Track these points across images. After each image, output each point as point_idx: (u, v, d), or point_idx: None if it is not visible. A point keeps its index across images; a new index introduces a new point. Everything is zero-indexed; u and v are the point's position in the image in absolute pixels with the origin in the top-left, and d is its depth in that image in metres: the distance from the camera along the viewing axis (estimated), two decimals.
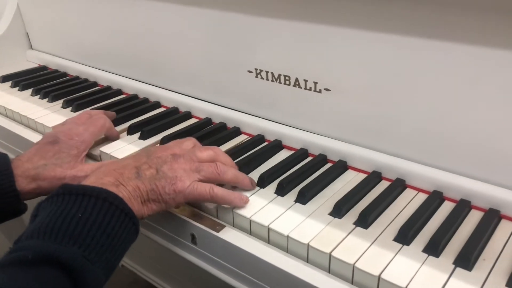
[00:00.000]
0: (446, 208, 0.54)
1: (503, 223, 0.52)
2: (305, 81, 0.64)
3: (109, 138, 0.72)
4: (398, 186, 0.58)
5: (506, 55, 0.48)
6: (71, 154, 0.61)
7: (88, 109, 0.82)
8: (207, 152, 0.56)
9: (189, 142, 0.59)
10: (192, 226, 0.55)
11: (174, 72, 0.82)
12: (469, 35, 0.49)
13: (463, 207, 0.54)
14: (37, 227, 0.43)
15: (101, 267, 0.43)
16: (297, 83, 0.65)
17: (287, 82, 0.66)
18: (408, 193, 0.57)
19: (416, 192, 0.57)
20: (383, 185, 0.59)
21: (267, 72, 0.68)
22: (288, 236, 0.50)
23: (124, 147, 0.70)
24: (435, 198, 0.55)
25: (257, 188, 0.59)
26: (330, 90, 0.62)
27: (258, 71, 0.69)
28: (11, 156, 0.61)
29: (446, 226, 0.50)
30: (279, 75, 0.67)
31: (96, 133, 0.67)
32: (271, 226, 0.52)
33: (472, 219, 0.52)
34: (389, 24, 0.54)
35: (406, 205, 0.55)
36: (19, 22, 1.07)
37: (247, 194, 0.57)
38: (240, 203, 0.55)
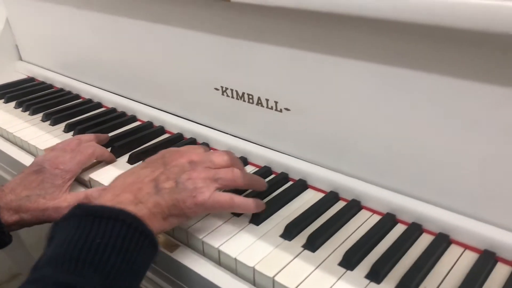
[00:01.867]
0: (397, 231, 0.54)
1: (452, 248, 0.52)
2: (267, 100, 0.64)
3: (104, 161, 0.70)
4: (353, 207, 0.58)
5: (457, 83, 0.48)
6: (55, 184, 0.60)
7: (65, 123, 0.83)
8: (222, 157, 0.55)
9: (201, 149, 0.57)
10: None
11: (149, 87, 0.83)
12: (426, 63, 0.49)
13: (414, 230, 0.53)
14: (55, 253, 0.41)
15: None
16: (259, 101, 0.65)
17: (251, 101, 0.67)
18: (362, 215, 0.57)
19: (370, 213, 0.57)
20: (339, 206, 0.59)
21: (232, 90, 0.68)
22: (235, 258, 0.51)
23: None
24: (388, 221, 0.55)
25: None
26: (289, 110, 0.63)
27: (224, 88, 0.69)
28: None
29: (393, 250, 0.50)
30: (243, 93, 0.67)
31: (83, 162, 0.64)
32: (221, 248, 0.52)
33: (422, 243, 0.52)
34: (348, 49, 0.54)
35: (358, 227, 0.55)
36: (8, 35, 1.10)
37: None
38: (258, 209, 0.55)
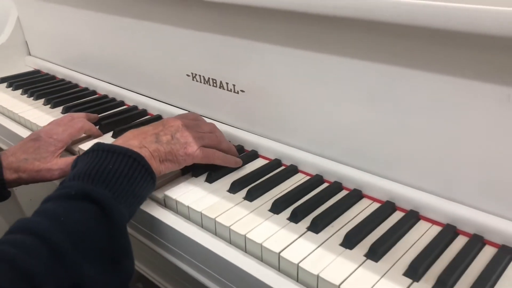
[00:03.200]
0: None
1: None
2: (227, 83, 0.77)
3: (91, 136, 0.84)
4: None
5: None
6: (49, 150, 0.72)
7: (62, 106, 0.96)
8: (207, 126, 0.71)
9: (193, 116, 0.73)
10: None
11: (135, 76, 0.96)
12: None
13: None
14: (78, 172, 0.55)
15: (125, 208, 0.54)
16: (221, 85, 0.78)
17: (214, 84, 0.79)
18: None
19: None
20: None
21: (200, 75, 0.81)
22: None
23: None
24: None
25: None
26: (244, 91, 0.75)
27: (194, 74, 0.82)
28: None
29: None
30: (209, 78, 0.79)
31: (73, 134, 0.78)
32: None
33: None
34: (296, 40, 0.66)
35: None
36: (19, 32, 1.24)
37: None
38: (236, 165, 0.70)
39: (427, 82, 0.54)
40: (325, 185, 0.67)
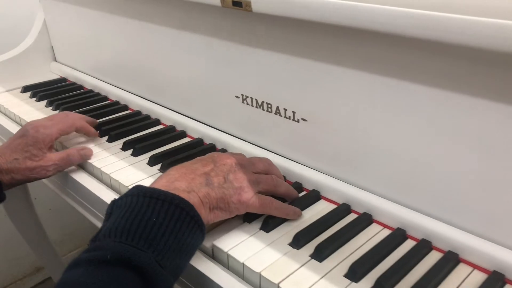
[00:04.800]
0: (406, 247, 0.54)
1: (460, 267, 0.51)
2: (285, 110, 0.65)
3: (86, 135, 0.80)
4: (365, 220, 0.58)
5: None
6: (38, 146, 0.68)
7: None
8: (262, 163, 0.61)
9: (243, 156, 0.62)
10: None
11: (174, 92, 0.85)
12: (448, 81, 0.49)
13: (423, 247, 0.53)
14: (115, 226, 0.45)
15: (171, 271, 0.45)
16: (277, 111, 0.67)
17: (269, 110, 0.68)
18: (373, 228, 0.57)
19: (381, 227, 0.57)
20: (350, 217, 0.59)
21: (251, 98, 0.70)
22: (243, 263, 0.51)
23: (115, 162, 0.73)
24: (398, 236, 0.55)
25: None
26: (306, 120, 0.63)
27: (244, 97, 0.71)
28: None
29: (399, 265, 0.50)
30: (262, 102, 0.68)
31: (63, 130, 0.73)
32: (230, 252, 0.53)
33: (430, 260, 0.52)
34: (368, 63, 0.54)
35: (368, 240, 0.55)
36: (45, 36, 1.14)
37: None
38: (294, 217, 0.58)
39: None
40: (410, 243, 0.55)
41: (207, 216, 0.52)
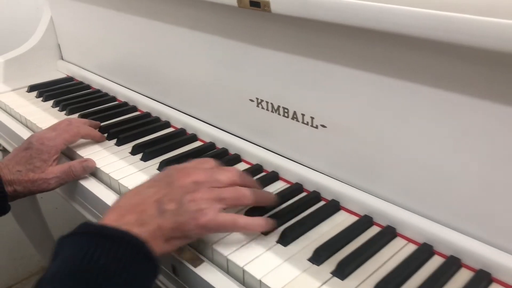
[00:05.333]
0: (434, 263, 0.51)
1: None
2: (303, 115, 0.62)
3: (93, 140, 0.78)
4: (388, 234, 0.55)
5: None
6: (42, 158, 0.67)
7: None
8: (226, 174, 0.54)
9: (208, 164, 0.56)
10: (173, 258, 0.55)
11: (185, 94, 0.82)
12: (482, 90, 0.46)
13: (451, 264, 0.50)
14: (60, 270, 0.42)
15: None
16: (294, 116, 0.63)
17: (286, 115, 0.65)
18: (397, 243, 0.54)
19: (405, 242, 0.54)
20: (372, 231, 0.56)
21: (267, 102, 0.66)
22: (260, 280, 0.49)
23: (124, 167, 0.70)
24: (425, 251, 0.52)
25: None
26: (326, 127, 0.60)
27: (259, 100, 0.68)
28: None
29: (428, 284, 0.47)
30: (279, 106, 0.65)
31: (68, 139, 0.72)
32: (246, 268, 0.50)
33: (459, 279, 0.49)
34: (394, 69, 0.51)
35: (392, 256, 0.52)
36: (52, 34, 1.12)
37: None
38: (266, 228, 0.54)
39: None
40: (437, 260, 0.51)
41: (163, 248, 0.48)
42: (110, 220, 0.48)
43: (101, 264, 0.42)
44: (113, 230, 0.45)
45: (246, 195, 0.53)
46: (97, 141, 0.78)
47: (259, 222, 0.53)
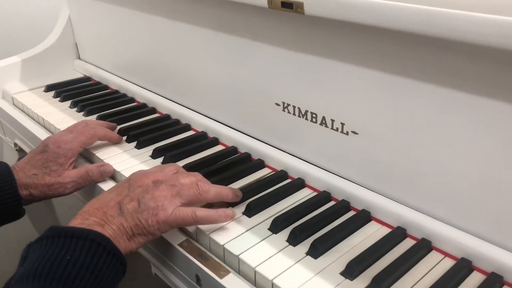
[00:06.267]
0: (474, 281, 0.48)
1: None
2: (332, 121, 0.60)
3: (110, 142, 0.76)
4: (423, 247, 0.52)
5: None
6: (58, 162, 0.65)
7: (118, 127, 0.81)
8: (189, 178, 0.56)
9: (172, 168, 0.59)
10: (197, 267, 0.53)
11: (206, 96, 0.80)
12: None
13: (494, 281, 0.47)
14: (27, 271, 0.43)
15: None
16: (323, 122, 0.61)
17: (314, 120, 0.62)
18: (432, 257, 0.52)
19: (442, 256, 0.52)
20: (406, 244, 0.53)
21: (294, 107, 0.64)
22: None
23: None
24: (463, 267, 0.49)
25: (269, 233, 0.55)
26: (357, 134, 0.58)
27: (286, 104, 0.65)
28: None
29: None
30: (306, 111, 0.63)
31: (84, 142, 0.70)
32: (275, 281, 0.48)
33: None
34: (426, 74, 0.49)
35: (428, 271, 0.50)
36: (69, 33, 1.10)
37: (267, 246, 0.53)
38: (226, 219, 0.55)
39: None
40: (477, 276, 0.49)
41: (128, 246, 0.50)
42: (75, 223, 0.50)
43: (68, 260, 0.44)
44: (77, 229, 0.47)
45: (205, 190, 0.55)
46: (114, 142, 0.76)
47: (220, 212, 0.55)
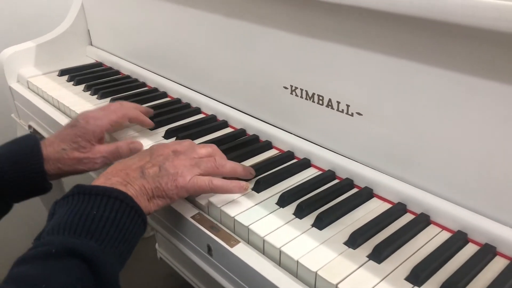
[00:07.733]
0: (469, 251, 0.51)
1: None
2: (338, 103, 0.63)
3: (143, 126, 0.77)
4: (422, 221, 0.55)
5: None
6: (86, 138, 0.66)
7: None
8: (205, 149, 0.61)
9: (187, 143, 0.62)
10: (209, 238, 0.56)
11: (216, 81, 0.83)
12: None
13: (486, 252, 0.51)
14: (57, 223, 0.47)
15: (115, 258, 0.48)
16: (329, 104, 0.64)
17: (320, 102, 0.65)
18: (431, 230, 0.55)
19: (439, 229, 0.55)
20: (406, 218, 0.57)
21: (301, 90, 0.67)
22: (297, 261, 0.50)
23: None
24: (458, 239, 0.53)
25: (277, 207, 0.58)
26: (361, 115, 0.61)
27: (293, 88, 0.68)
28: None
29: (462, 271, 0.48)
30: (313, 94, 0.66)
31: (114, 120, 0.70)
32: (283, 249, 0.51)
33: (495, 266, 0.49)
34: (428, 57, 0.52)
35: (426, 242, 0.53)
36: (82, 19, 1.13)
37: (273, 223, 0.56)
38: (240, 191, 0.59)
39: None
40: (472, 248, 0.52)
41: (147, 207, 0.54)
42: (98, 182, 0.53)
43: (93, 214, 0.48)
44: (101, 187, 0.51)
45: (222, 165, 0.59)
46: (145, 126, 0.77)
47: (235, 184, 0.59)
